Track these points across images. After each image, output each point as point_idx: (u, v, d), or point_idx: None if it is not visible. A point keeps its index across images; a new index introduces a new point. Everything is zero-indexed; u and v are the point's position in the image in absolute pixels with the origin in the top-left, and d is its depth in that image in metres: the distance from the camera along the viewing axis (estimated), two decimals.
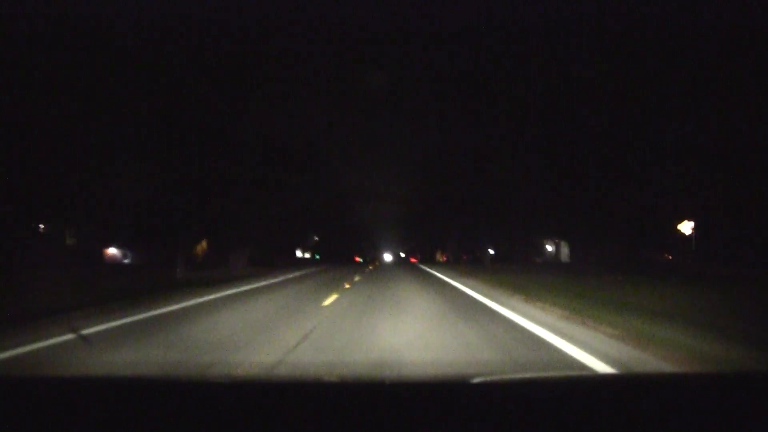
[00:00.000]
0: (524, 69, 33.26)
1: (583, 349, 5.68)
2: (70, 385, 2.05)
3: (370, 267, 33.20)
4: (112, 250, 53.36)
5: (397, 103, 56.61)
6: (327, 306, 10.80)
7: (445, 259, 72.83)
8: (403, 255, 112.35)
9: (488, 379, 2.40)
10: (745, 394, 1.73)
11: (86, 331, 7.38)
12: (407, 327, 7.65)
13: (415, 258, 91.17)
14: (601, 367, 4.86)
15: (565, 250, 42.50)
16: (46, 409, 1.62)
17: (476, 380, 2.11)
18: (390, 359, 5.31)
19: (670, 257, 33.37)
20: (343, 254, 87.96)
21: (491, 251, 63.97)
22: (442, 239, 70.28)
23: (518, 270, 28.15)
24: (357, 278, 22.04)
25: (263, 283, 19.85)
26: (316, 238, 56.49)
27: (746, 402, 1.63)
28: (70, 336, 6.94)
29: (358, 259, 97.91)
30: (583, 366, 4.94)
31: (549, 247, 44.16)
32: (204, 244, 57.97)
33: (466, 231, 47.57)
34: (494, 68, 34.84)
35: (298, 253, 65.12)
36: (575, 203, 35.01)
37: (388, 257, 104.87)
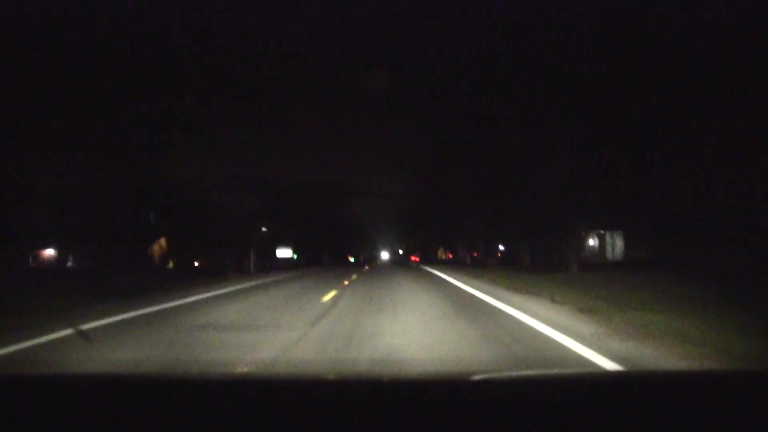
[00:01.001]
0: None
1: None
2: (67, 383, 1.99)
3: (353, 277, 23.05)
4: (49, 252, 44.88)
5: (396, 89, 48.22)
6: None
7: (451, 257, 66.03)
8: (401, 252, 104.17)
9: (488, 376, 2.31)
10: (745, 394, 1.68)
11: None
12: None
13: (416, 257, 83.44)
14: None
15: (617, 245, 33.30)
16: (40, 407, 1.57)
17: (476, 377, 2.11)
18: None
19: None
20: (335, 253, 78.90)
21: (501, 247, 54.85)
22: (448, 236, 61.96)
23: (635, 284, 17.20)
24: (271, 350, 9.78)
25: None
26: (264, 229, 47.55)
27: (747, 401, 1.59)
28: None
29: (350, 258, 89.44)
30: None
31: (591, 241, 34.95)
32: (163, 242, 48.42)
33: (486, 225, 38.40)
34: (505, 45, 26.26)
35: (279, 253, 55.35)
36: (642, 180, 25.83)
37: (385, 255, 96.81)
